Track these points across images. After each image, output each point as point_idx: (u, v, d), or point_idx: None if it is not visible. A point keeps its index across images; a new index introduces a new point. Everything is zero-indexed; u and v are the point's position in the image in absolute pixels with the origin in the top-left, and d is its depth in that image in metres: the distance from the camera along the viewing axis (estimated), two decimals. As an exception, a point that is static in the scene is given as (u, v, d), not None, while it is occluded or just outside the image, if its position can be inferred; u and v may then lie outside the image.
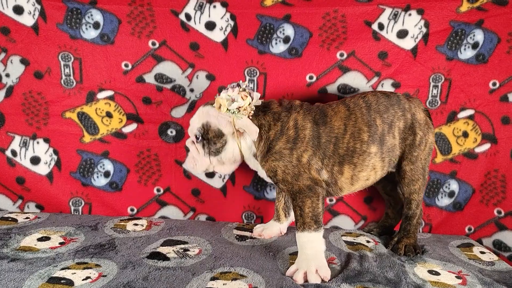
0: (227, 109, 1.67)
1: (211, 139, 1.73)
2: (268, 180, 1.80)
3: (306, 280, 1.51)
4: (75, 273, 1.45)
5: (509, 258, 2.10)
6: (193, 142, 1.79)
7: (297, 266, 1.57)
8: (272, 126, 1.72)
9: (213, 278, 1.47)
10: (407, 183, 1.85)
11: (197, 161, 1.79)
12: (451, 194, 2.15)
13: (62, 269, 1.48)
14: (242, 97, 1.68)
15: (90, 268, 1.50)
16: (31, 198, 2.15)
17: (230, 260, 1.63)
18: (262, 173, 1.80)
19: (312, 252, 1.58)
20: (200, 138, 1.75)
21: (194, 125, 1.77)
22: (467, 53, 2.04)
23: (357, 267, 1.60)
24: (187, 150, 1.83)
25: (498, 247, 2.13)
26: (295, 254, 1.72)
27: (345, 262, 1.65)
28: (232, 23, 2.04)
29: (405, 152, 1.82)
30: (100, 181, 2.16)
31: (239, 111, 1.67)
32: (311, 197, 1.63)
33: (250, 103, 1.69)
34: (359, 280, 1.50)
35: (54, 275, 1.43)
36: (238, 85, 1.71)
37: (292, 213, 1.99)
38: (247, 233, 1.98)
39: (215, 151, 1.75)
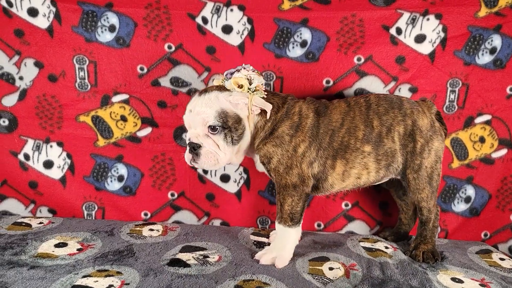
0: (248, 88, 1.63)
1: (232, 126, 1.64)
2: (260, 168, 1.79)
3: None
4: (97, 281, 1.43)
5: (525, 264, 2.10)
6: (207, 135, 1.64)
7: (266, 250, 1.74)
8: (280, 108, 1.73)
9: (237, 286, 1.45)
10: (413, 191, 1.82)
11: (218, 155, 1.64)
12: (467, 199, 2.14)
13: (84, 276, 1.46)
14: (257, 76, 1.67)
15: (112, 275, 1.48)
16: (43, 202, 2.13)
17: (251, 268, 1.61)
18: (257, 160, 1.77)
19: (281, 246, 1.71)
20: (219, 128, 1.63)
21: (206, 116, 1.62)
22: (484, 58, 2.04)
23: (380, 275, 1.59)
24: (194, 148, 1.63)
25: (514, 253, 2.13)
26: (314, 260, 1.72)
27: (367, 269, 1.64)
28: (249, 26, 2.03)
29: (407, 159, 1.79)
30: (113, 185, 2.14)
31: (256, 90, 1.66)
32: (293, 196, 1.70)
33: (262, 82, 1.69)
34: (384, 288, 1.49)
35: (76, 283, 1.40)
36: (244, 68, 1.67)
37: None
38: (265, 239, 1.96)
39: (237, 139, 1.66)
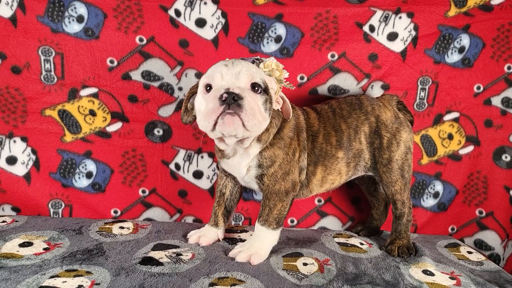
0: (281, 78, 1.59)
1: (269, 98, 1.50)
2: (242, 175, 1.68)
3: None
4: (65, 281, 1.37)
5: (490, 256, 2.17)
6: (250, 90, 1.45)
7: (241, 248, 1.68)
8: None
9: (211, 284, 1.42)
10: (386, 185, 1.85)
11: (255, 116, 1.40)
12: (435, 195, 2.19)
13: (51, 277, 1.39)
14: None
15: (81, 275, 1.42)
16: (6, 200, 2.03)
17: (226, 265, 1.59)
18: (250, 171, 1.65)
19: (260, 244, 1.68)
20: (261, 90, 1.46)
21: (253, 72, 1.46)
22: (453, 57, 2.09)
23: (353, 270, 1.60)
24: (235, 98, 1.37)
25: (479, 247, 2.20)
26: (288, 256, 1.71)
27: (341, 264, 1.65)
28: (223, 20, 1.99)
29: (375, 155, 1.83)
30: (82, 182, 2.06)
31: (284, 82, 1.62)
32: (283, 201, 1.68)
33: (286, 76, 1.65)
34: (358, 283, 1.49)
35: (43, 284, 1.34)
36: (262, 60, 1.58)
37: (230, 218, 1.92)
38: (236, 235, 1.94)
39: (269, 114, 1.51)
